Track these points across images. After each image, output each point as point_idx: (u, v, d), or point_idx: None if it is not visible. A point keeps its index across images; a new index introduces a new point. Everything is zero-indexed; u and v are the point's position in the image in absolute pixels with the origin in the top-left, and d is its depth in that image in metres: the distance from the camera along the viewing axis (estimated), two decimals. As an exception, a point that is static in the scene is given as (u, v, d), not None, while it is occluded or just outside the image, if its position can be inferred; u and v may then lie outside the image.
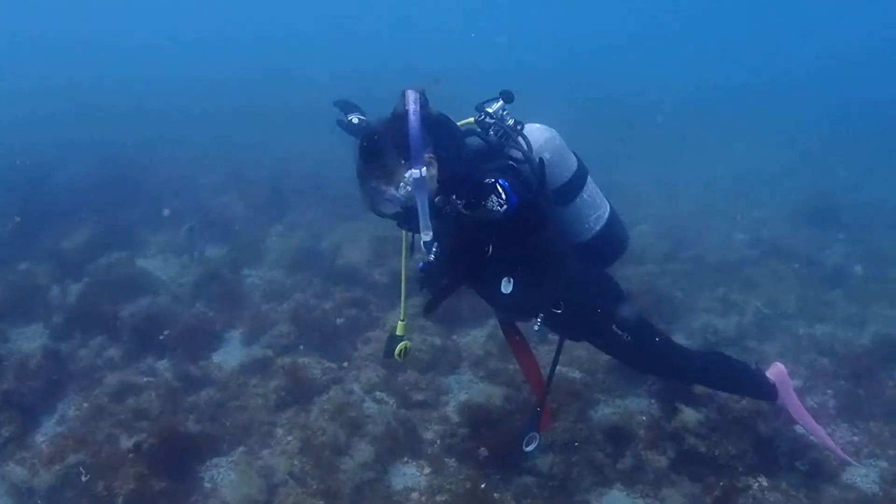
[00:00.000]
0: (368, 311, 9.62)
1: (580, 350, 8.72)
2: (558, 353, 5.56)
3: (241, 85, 30.93)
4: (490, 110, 4.73)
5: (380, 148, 4.37)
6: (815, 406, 8.01)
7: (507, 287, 4.57)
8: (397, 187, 4.36)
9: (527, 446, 5.45)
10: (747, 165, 19.66)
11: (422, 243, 4.54)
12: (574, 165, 4.96)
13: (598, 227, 5.06)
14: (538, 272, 4.66)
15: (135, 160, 17.53)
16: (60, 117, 23.83)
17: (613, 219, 5.17)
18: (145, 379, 7.98)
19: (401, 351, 5.25)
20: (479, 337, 9.22)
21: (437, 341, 8.73)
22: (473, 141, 4.76)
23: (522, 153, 4.58)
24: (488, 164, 4.51)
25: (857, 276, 12.37)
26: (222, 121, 22.73)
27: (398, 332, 5.31)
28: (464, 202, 4.17)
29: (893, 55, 42.27)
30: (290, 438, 7.17)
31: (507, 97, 4.78)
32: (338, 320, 9.15)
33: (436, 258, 4.64)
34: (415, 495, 6.55)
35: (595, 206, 5.07)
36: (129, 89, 30.17)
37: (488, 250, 4.53)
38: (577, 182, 4.95)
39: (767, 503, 6.25)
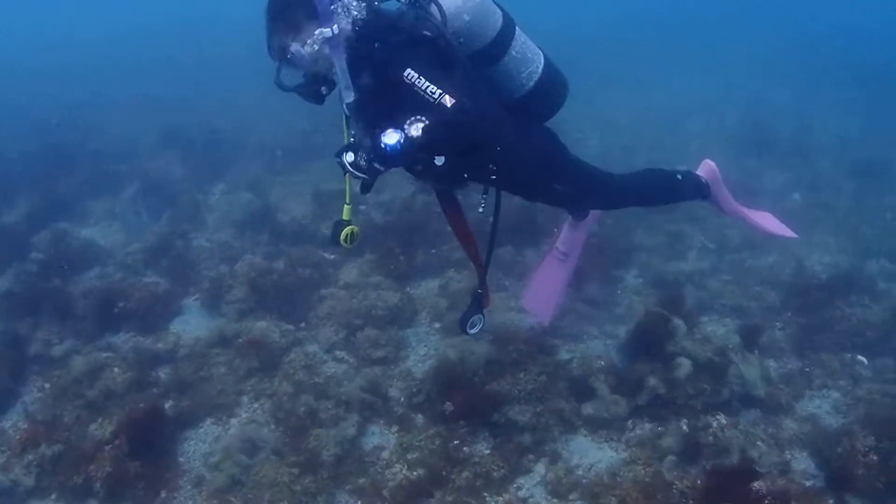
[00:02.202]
0: (320, 267, 9.64)
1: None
2: (495, 223, 5.21)
3: (154, 34, 30.03)
4: None
5: (285, 5, 4.37)
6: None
7: (439, 161, 4.42)
8: (303, 45, 4.34)
9: (471, 329, 5.38)
10: (684, 96, 19.78)
11: (344, 106, 4.51)
12: (499, 22, 4.75)
13: (531, 84, 4.93)
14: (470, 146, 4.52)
15: (68, 124, 17.11)
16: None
17: (549, 72, 4.99)
18: (105, 355, 7.92)
19: (346, 236, 5.10)
20: (432, 288, 9.30)
21: (392, 295, 8.79)
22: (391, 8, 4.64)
23: (435, 26, 4.39)
24: (401, 36, 4.35)
25: (795, 204, 12.58)
26: (145, 74, 22.12)
27: (344, 217, 5.16)
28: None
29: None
30: (256, 406, 7.28)
31: None
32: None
33: (355, 139, 4.60)
34: (385, 454, 6.71)
35: (526, 61, 4.89)
36: (42, 46, 29.38)
37: None
38: (503, 40, 4.76)
39: (727, 441, 6.42)
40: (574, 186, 5.26)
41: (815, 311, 8.73)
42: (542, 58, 4.98)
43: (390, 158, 4.08)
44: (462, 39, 4.58)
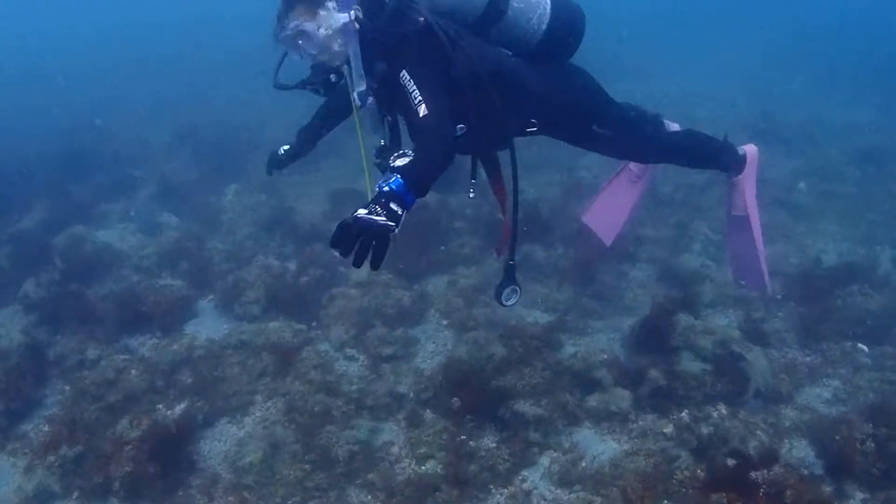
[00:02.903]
0: (331, 267, 9.80)
1: (538, 286, 9.36)
2: (515, 186, 4.90)
3: (167, 33, 30.17)
4: None
5: None
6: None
7: (459, 131, 4.36)
8: (318, 28, 4.26)
9: (507, 301, 5.16)
10: (696, 85, 19.83)
11: (355, 95, 4.43)
12: None
13: (543, 27, 4.74)
14: (492, 111, 4.46)
15: (85, 128, 17.36)
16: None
17: (557, 8, 4.80)
18: (122, 358, 8.15)
19: None
20: (441, 285, 9.50)
21: (401, 293, 9.01)
22: None
23: (423, 16, 4.29)
24: (402, 27, 4.26)
25: (801, 193, 12.72)
26: (157, 75, 22.33)
27: None
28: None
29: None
30: (269, 405, 7.47)
31: None
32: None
33: (386, 141, 4.60)
34: (394, 449, 6.90)
35: (531, 6, 4.71)
36: (57, 51, 29.51)
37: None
38: None
39: (726, 431, 6.60)
40: (614, 129, 5.13)
41: (817, 300, 8.85)
42: None
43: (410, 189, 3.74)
44: (460, 10, 4.54)
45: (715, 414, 6.89)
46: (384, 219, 3.47)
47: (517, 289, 5.13)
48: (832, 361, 8.06)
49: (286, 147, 5.29)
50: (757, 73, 20.96)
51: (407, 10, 4.30)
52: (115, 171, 14.30)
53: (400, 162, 3.93)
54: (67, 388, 7.91)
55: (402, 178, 3.67)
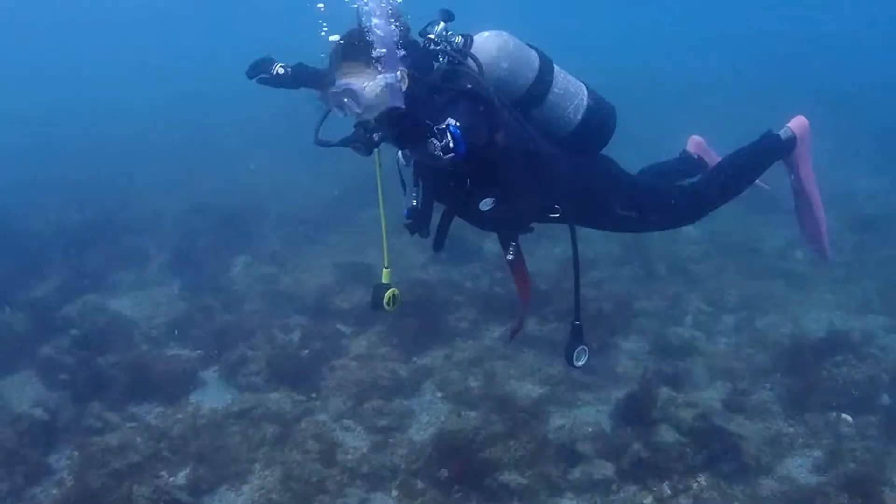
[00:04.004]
0: (333, 339, 10.22)
1: (531, 359, 9.67)
2: (576, 263, 4.80)
3: (189, 110, 30.64)
4: (433, 36, 4.45)
5: (357, 48, 4.23)
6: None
7: (486, 205, 4.36)
8: (364, 88, 4.20)
9: (577, 361, 4.85)
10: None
11: (399, 154, 4.50)
12: (536, 62, 4.68)
13: (578, 117, 4.80)
14: (523, 187, 4.48)
15: (100, 199, 17.75)
16: (15, 154, 23.75)
17: (593, 102, 4.88)
18: (129, 426, 8.54)
19: (389, 299, 4.87)
20: (438, 357, 9.85)
21: (398, 366, 9.40)
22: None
23: (475, 79, 4.32)
24: (449, 84, 4.33)
25: (797, 261, 12.91)
26: (179, 149, 22.93)
27: (384, 281, 4.95)
28: (401, 138, 4.07)
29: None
30: (267, 473, 7.77)
31: (447, 16, 4.51)
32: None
33: (418, 203, 4.57)
34: (387, 521, 7.19)
35: (570, 95, 4.79)
36: (76, 121, 30.25)
37: (466, 183, 4.39)
38: (543, 79, 4.69)
39: (706, 503, 6.95)
40: (638, 209, 5.12)
41: (804, 371, 9.08)
42: (585, 89, 4.92)
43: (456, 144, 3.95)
44: (505, 88, 4.56)
45: (695, 485, 7.18)
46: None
47: (586, 349, 4.88)
48: (815, 432, 8.25)
49: (281, 69, 4.58)
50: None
51: (456, 74, 4.36)
52: (128, 241, 14.72)
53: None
54: (76, 453, 8.17)
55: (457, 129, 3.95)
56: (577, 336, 4.82)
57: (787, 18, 48.01)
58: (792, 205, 6.20)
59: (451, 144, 3.91)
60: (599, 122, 4.92)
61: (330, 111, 4.45)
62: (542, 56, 4.73)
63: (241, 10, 54.46)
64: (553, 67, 4.75)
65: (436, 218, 4.68)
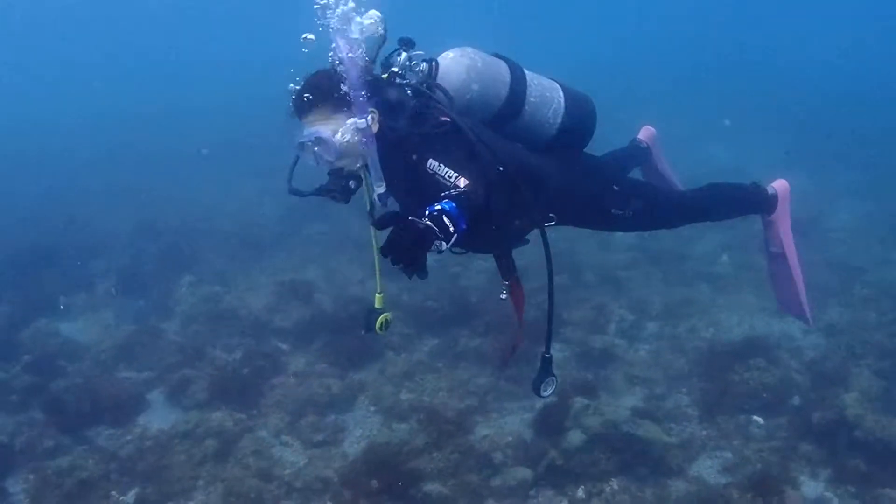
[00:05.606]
0: (273, 357, 10.73)
1: (461, 371, 10.16)
2: (550, 271, 4.50)
3: (138, 123, 30.28)
4: (396, 69, 4.41)
5: (323, 94, 4.17)
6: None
7: (482, 231, 4.15)
8: (334, 134, 4.13)
9: (544, 392, 4.86)
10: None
11: (375, 196, 4.33)
12: (507, 76, 4.63)
13: (559, 120, 4.81)
14: (517, 209, 4.38)
15: (48, 218, 17.94)
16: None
17: (570, 101, 4.88)
18: (81, 448, 9.01)
19: (381, 324, 5.09)
20: (372, 371, 10.41)
21: (333, 382, 9.94)
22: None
23: (445, 112, 4.20)
24: (425, 127, 4.18)
25: (723, 265, 13.53)
26: (119, 163, 23.23)
27: (377, 306, 5.13)
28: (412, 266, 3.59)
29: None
30: (210, 489, 8.27)
31: (407, 45, 4.48)
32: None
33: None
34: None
35: (546, 101, 4.77)
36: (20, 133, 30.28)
37: None
38: (517, 90, 4.65)
39: (617, 504, 7.46)
40: (631, 208, 5.14)
41: (719, 374, 9.62)
42: (560, 90, 4.89)
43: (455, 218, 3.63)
44: (479, 108, 4.55)
45: (608, 489, 7.73)
46: (432, 224, 3.50)
47: (554, 379, 4.87)
48: (726, 434, 8.75)
49: None
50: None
51: (428, 110, 4.24)
52: (78, 263, 14.92)
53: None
54: (32, 476, 8.58)
55: (452, 201, 3.67)
56: (546, 367, 4.82)
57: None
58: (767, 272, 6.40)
59: (452, 228, 3.59)
60: (580, 121, 4.95)
61: (298, 158, 4.38)
62: (511, 66, 4.71)
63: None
64: (525, 75, 4.72)
65: None
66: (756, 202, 5.90)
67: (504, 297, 4.66)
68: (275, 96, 4.39)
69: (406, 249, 3.44)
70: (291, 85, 4.27)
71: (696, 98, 29.03)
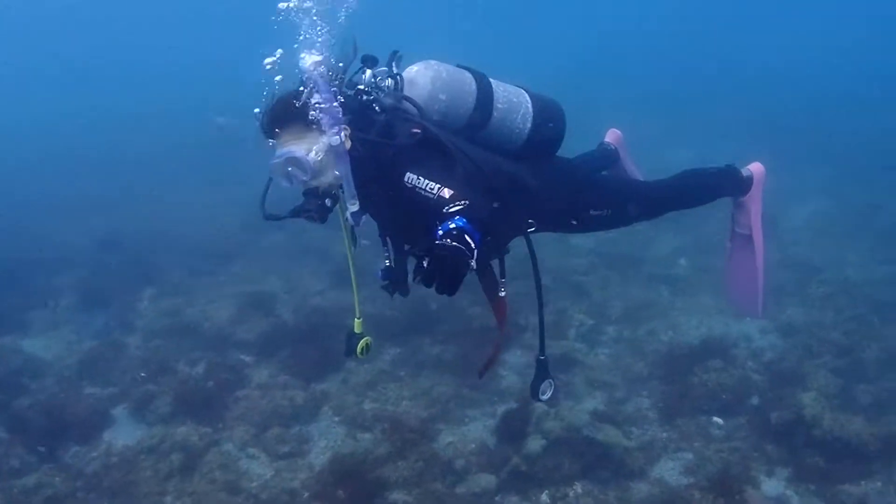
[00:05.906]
0: (237, 370, 10.79)
1: (422, 379, 10.26)
2: (536, 275, 4.75)
3: (100, 125, 30.66)
4: (362, 86, 4.37)
5: (294, 112, 4.10)
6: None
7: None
8: (307, 153, 4.07)
9: (542, 395, 4.96)
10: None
11: (348, 215, 4.27)
12: (472, 84, 4.61)
13: (528, 125, 4.78)
14: (498, 217, 4.15)
15: (6, 231, 17.58)
16: None
17: (538, 106, 4.85)
18: (47, 466, 9.00)
19: (362, 348, 5.08)
20: (335, 382, 10.51)
21: (297, 394, 10.01)
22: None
23: (417, 122, 4.21)
24: (398, 139, 4.15)
25: (681, 268, 13.77)
26: (82, 172, 22.97)
27: (356, 331, 5.09)
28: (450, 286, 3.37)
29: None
30: (178, 504, 8.37)
31: (370, 62, 4.43)
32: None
33: (391, 261, 4.66)
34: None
35: (514, 106, 4.74)
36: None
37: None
38: (483, 98, 4.61)
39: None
40: (609, 207, 5.18)
41: (679, 377, 9.83)
42: (526, 95, 4.85)
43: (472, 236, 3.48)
44: (448, 119, 4.52)
45: (571, 493, 7.92)
46: (459, 245, 3.37)
47: (552, 382, 4.96)
48: (686, 436, 8.95)
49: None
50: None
51: (399, 123, 4.24)
52: (39, 279, 14.82)
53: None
54: None
55: (461, 217, 3.55)
56: (542, 371, 4.92)
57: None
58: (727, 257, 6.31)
59: (473, 245, 3.44)
60: (549, 124, 4.90)
61: (271, 180, 4.30)
62: (475, 75, 4.68)
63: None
64: (490, 83, 4.68)
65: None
66: (732, 184, 5.87)
67: (503, 294, 4.62)
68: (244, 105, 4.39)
69: (450, 276, 3.31)
70: (257, 110, 4.22)
71: (665, 103, 29.52)
